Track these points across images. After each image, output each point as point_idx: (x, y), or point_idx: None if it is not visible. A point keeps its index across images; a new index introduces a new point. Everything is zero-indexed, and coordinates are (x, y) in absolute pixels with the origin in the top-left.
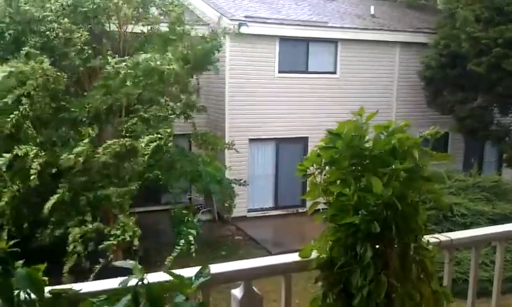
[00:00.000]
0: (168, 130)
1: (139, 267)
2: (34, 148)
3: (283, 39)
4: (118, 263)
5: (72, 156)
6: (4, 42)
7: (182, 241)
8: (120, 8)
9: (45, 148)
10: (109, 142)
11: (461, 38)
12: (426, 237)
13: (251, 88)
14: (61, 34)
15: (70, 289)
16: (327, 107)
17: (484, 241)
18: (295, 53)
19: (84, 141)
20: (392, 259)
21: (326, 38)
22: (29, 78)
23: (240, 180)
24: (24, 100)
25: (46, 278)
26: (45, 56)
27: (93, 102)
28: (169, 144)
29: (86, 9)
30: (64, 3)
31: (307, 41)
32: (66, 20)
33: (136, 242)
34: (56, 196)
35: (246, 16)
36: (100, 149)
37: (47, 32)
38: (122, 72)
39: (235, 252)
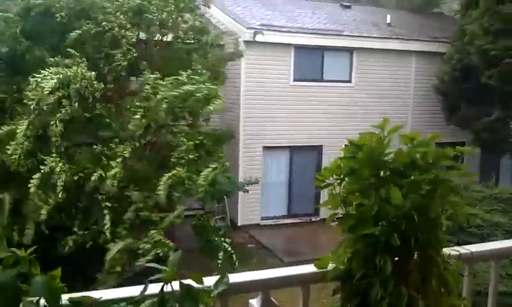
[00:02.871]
0: (225, 163)
1: (170, 271)
2: (59, 160)
3: (299, 48)
4: (152, 264)
5: (109, 180)
6: (54, 28)
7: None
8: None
9: (71, 158)
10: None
11: (470, 52)
12: (446, 250)
13: (265, 96)
14: (116, 29)
15: (89, 297)
16: (341, 116)
17: (505, 254)
18: (310, 61)
19: (117, 161)
20: (412, 272)
21: (342, 46)
22: (71, 82)
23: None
24: (65, 101)
25: (64, 285)
26: (82, 59)
27: (136, 124)
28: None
29: (151, 16)
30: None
31: (322, 49)
32: (122, 16)
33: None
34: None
35: (261, 25)
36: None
37: (104, 23)
38: (161, 94)
39: (248, 261)
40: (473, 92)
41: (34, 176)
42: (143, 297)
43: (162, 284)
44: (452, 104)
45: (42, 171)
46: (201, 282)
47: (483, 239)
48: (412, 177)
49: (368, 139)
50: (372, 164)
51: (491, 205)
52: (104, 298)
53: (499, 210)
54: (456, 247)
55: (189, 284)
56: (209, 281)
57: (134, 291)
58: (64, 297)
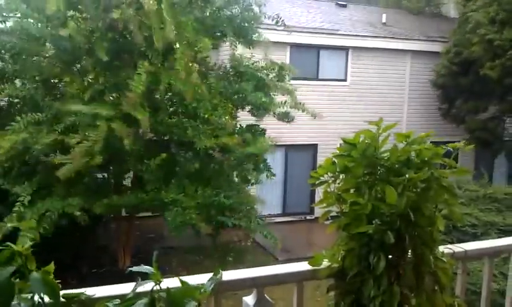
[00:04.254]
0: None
1: (156, 272)
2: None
3: (294, 46)
4: (135, 269)
5: None
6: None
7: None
8: None
9: None
10: None
11: (473, 42)
12: (440, 248)
13: None
14: None
15: (83, 293)
16: (337, 114)
17: (498, 252)
18: (305, 60)
19: None
20: (405, 270)
21: (337, 45)
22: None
23: None
24: None
25: (59, 281)
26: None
27: None
28: None
29: None
30: None
31: (318, 48)
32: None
33: None
34: None
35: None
36: None
37: None
38: None
39: (242, 259)
40: (470, 86)
41: None
42: (134, 296)
43: (152, 284)
44: (447, 99)
45: None
46: (186, 285)
47: (477, 238)
48: (407, 175)
49: (363, 137)
50: (367, 162)
51: (485, 204)
52: (97, 295)
53: (493, 209)
54: (450, 246)
55: (168, 288)
56: (202, 278)
57: (128, 288)
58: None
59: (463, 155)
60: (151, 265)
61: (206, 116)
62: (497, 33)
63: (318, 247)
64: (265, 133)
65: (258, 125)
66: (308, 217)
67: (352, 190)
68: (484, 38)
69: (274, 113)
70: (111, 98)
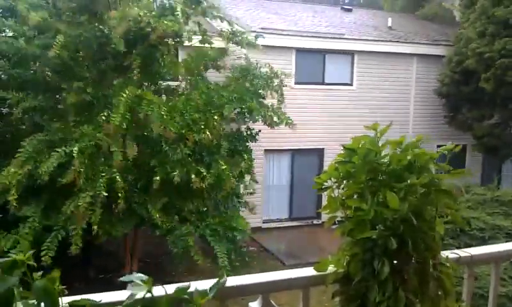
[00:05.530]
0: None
1: (146, 278)
2: None
3: (300, 51)
4: (124, 278)
5: None
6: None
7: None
8: None
9: None
10: None
11: (468, 56)
12: (445, 253)
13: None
14: None
15: (90, 300)
16: (343, 118)
17: (506, 257)
18: (312, 64)
19: None
20: (410, 275)
21: (343, 49)
22: None
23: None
24: None
25: (64, 287)
26: None
27: None
28: None
29: None
30: None
31: (324, 52)
32: None
33: None
34: None
35: (262, 28)
36: None
37: None
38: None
39: (249, 264)
40: (473, 94)
41: None
42: (129, 303)
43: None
44: (452, 107)
45: None
46: (182, 291)
47: (485, 242)
48: (409, 181)
49: (362, 142)
50: (368, 168)
51: (493, 208)
52: (104, 301)
53: (501, 213)
54: (456, 251)
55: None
56: (207, 283)
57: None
58: (65, 300)
59: (471, 159)
60: (158, 270)
61: (183, 131)
62: (487, 46)
63: (325, 252)
64: (255, 136)
65: (247, 131)
66: (314, 222)
67: (355, 196)
68: (475, 51)
69: (264, 117)
70: (103, 117)
